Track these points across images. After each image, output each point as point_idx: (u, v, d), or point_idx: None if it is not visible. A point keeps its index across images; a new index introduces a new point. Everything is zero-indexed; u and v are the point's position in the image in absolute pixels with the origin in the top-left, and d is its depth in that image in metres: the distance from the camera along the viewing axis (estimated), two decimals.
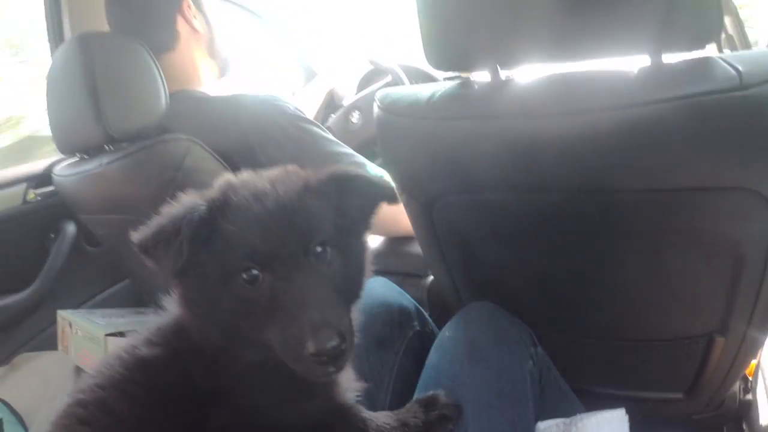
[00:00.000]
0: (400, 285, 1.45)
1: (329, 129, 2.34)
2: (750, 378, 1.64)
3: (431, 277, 1.67)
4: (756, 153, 0.95)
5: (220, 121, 1.57)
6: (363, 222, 0.91)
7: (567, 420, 1.07)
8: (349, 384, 0.94)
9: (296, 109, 1.62)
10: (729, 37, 1.89)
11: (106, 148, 1.56)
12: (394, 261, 1.75)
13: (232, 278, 0.77)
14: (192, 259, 0.75)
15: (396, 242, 1.81)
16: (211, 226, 0.77)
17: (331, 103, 2.46)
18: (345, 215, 0.85)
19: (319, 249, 0.79)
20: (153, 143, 1.48)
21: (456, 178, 1.17)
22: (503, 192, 1.14)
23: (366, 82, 2.48)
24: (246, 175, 0.86)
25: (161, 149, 1.48)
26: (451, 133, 1.11)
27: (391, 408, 1.10)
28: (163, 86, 1.51)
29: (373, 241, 1.88)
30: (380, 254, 1.82)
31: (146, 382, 0.82)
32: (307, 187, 0.83)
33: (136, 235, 0.78)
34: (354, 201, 0.87)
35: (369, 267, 0.91)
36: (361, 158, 1.64)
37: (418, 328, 1.35)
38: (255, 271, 0.76)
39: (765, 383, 1.48)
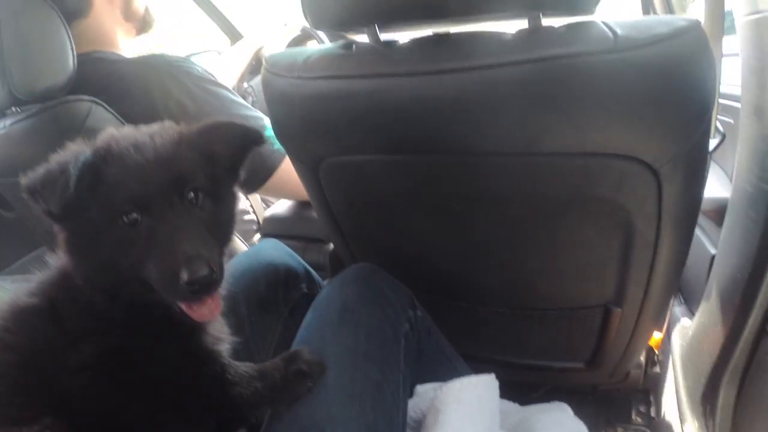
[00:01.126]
0: (303, 250, 1.44)
1: (252, 89, 2.29)
2: (656, 351, 1.65)
3: (332, 245, 1.64)
4: (635, 119, 0.92)
5: (129, 82, 1.56)
6: (233, 171, 0.95)
7: (442, 385, 1.04)
8: (219, 334, 0.98)
9: (204, 71, 1.62)
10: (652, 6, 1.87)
11: (12, 110, 1.54)
12: (297, 225, 1.74)
13: (114, 221, 0.82)
14: (77, 203, 0.80)
15: (300, 207, 1.80)
16: (94, 172, 0.82)
17: (258, 66, 2.42)
18: (216, 164, 0.91)
19: (191, 195, 0.86)
20: (55, 104, 1.47)
21: (331, 140, 1.14)
22: (376, 153, 1.11)
23: (294, 45, 2.45)
24: (127, 129, 0.92)
25: (63, 110, 1.47)
26: (323, 93, 1.08)
27: None
28: (72, 48, 1.48)
29: (278, 206, 1.88)
30: (284, 219, 1.81)
31: (21, 329, 0.87)
32: (182, 139, 0.89)
33: (24, 179, 0.82)
34: (223, 150, 0.93)
35: (237, 214, 0.98)
36: (267, 121, 1.60)
37: (305, 291, 1.33)
38: (134, 214, 0.82)
39: (672, 358, 1.48)
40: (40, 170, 0.83)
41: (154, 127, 0.92)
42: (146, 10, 1.82)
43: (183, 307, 0.86)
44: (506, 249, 1.21)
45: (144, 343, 0.89)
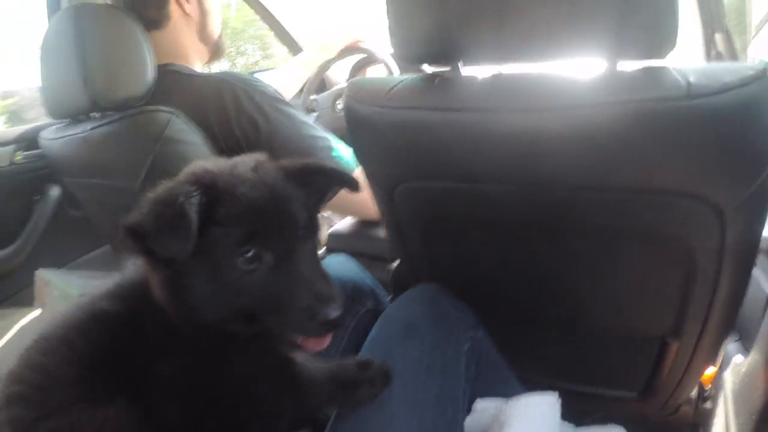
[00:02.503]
0: (367, 267, 1.49)
1: (317, 103, 2.34)
2: (708, 386, 1.66)
3: (397, 262, 1.71)
4: (704, 162, 0.97)
5: (203, 97, 1.60)
6: (322, 206, 0.98)
7: (505, 401, 1.10)
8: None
9: (275, 91, 1.67)
10: (718, 54, 1.90)
11: (93, 115, 1.61)
12: (362, 243, 1.80)
13: (232, 262, 0.81)
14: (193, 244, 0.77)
15: (365, 226, 1.87)
16: (209, 211, 0.79)
17: (321, 86, 2.48)
18: (312, 204, 0.91)
19: (302, 232, 0.85)
20: (135, 113, 1.52)
21: (410, 166, 1.20)
22: (456, 181, 1.17)
23: (357, 69, 2.50)
24: (220, 162, 0.89)
25: (143, 119, 1.51)
26: (406, 123, 1.14)
27: None
28: (151, 60, 1.54)
29: (343, 223, 1.95)
30: (350, 236, 1.87)
31: (104, 331, 0.85)
32: (287, 176, 0.88)
33: (126, 219, 0.78)
34: (322, 192, 0.95)
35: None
36: (333, 142, 1.68)
37: (371, 307, 1.39)
38: (254, 254, 0.81)
39: (724, 394, 1.49)
40: (146, 211, 0.79)
41: (248, 160, 0.90)
42: (219, 36, 1.88)
43: (299, 339, 0.88)
44: (570, 277, 1.27)
45: (223, 362, 0.89)
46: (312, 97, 2.36)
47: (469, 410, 1.16)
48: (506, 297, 1.38)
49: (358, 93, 1.20)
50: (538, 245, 1.22)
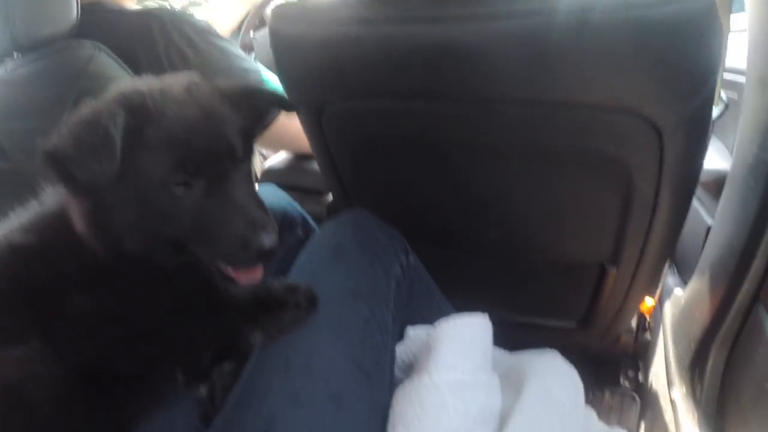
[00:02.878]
0: (301, 201, 1.46)
1: (256, 41, 2.29)
2: (648, 317, 1.68)
3: (331, 195, 1.68)
4: (641, 76, 0.94)
5: (132, 32, 1.55)
6: (258, 131, 0.92)
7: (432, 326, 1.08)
8: None
9: (207, 24, 1.63)
10: None
11: (14, 55, 1.52)
12: (296, 177, 1.78)
13: (161, 189, 0.76)
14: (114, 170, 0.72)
15: (298, 159, 1.84)
16: (136, 135, 0.73)
17: (261, 24, 2.41)
18: (248, 128, 0.86)
19: (239, 156, 0.81)
20: (57, 49, 1.45)
21: (338, 85, 1.15)
22: (381, 98, 1.13)
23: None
24: (152, 81, 0.83)
25: (65, 55, 1.46)
26: (332, 39, 1.09)
27: None
28: None
29: (276, 158, 1.92)
30: (282, 170, 1.84)
31: (17, 265, 0.81)
32: (223, 98, 0.83)
33: (44, 143, 0.72)
34: (257, 115, 0.89)
35: None
36: (266, 74, 1.66)
37: (301, 236, 1.36)
38: (185, 180, 0.76)
39: (663, 325, 1.51)
40: (66, 134, 0.72)
41: (181, 80, 0.84)
42: None
43: (230, 271, 0.83)
44: (505, 201, 1.24)
45: (144, 293, 0.84)
46: (251, 35, 2.31)
47: (401, 338, 1.14)
48: (440, 224, 1.36)
49: (284, 14, 1.14)
50: (473, 167, 1.18)
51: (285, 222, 1.35)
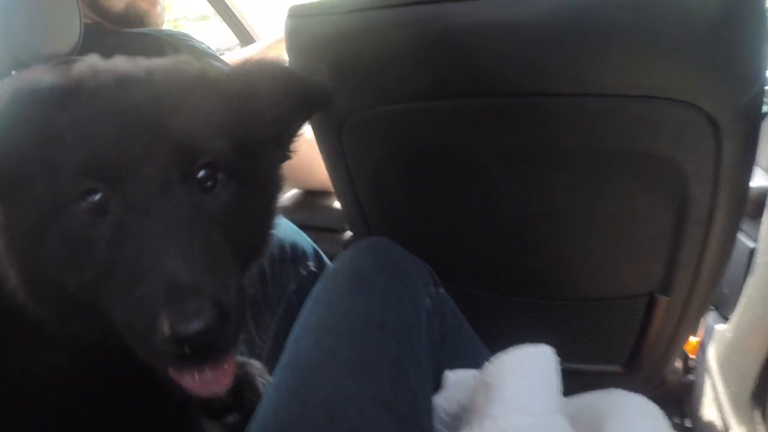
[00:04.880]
0: (315, 240, 1.32)
1: None
2: (691, 357, 1.55)
3: (349, 233, 1.57)
4: (696, 61, 0.85)
5: (130, 53, 1.47)
6: (278, 143, 0.67)
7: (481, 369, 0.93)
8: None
9: (208, 47, 1.57)
10: None
11: (13, 73, 1.44)
12: (308, 215, 1.63)
13: (65, 205, 0.53)
14: (18, 169, 0.52)
15: (311, 195, 1.71)
16: (46, 120, 0.53)
17: None
18: (254, 126, 0.62)
19: (202, 173, 0.56)
20: (55, 65, 1.38)
21: (362, 87, 1.03)
22: (412, 101, 1.01)
23: None
24: (118, 60, 0.65)
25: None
26: (352, 29, 0.97)
27: (271, 349, 1.03)
28: (80, 15, 1.40)
29: (288, 194, 1.77)
30: (294, 208, 1.70)
31: None
32: (201, 81, 0.61)
33: None
34: (270, 104, 0.63)
35: (276, 212, 0.69)
36: None
37: (313, 269, 1.23)
38: (98, 196, 0.52)
39: (707, 364, 1.39)
40: None
41: (162, 61, 0.64)
42: (127, 6, 1.69)
43: (172, 374, 0.54)
44: (546, 223, 1.11)
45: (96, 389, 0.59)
46: None
47: (437, 385, 0.98)
48: (470, 255, 1.22)
49: (302, 8, 1.03)
50: (509, 183, 1.06)
51: (295, 253, 1.21)
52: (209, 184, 0.56)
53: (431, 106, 1.00)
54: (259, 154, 0.63)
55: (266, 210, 0.66)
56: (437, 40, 0.91)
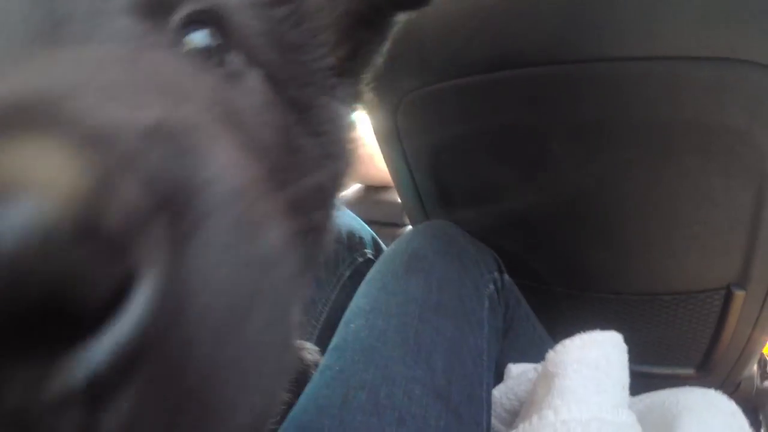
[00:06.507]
0: (376, 235, 1.28)
1: None
2: None
3: (409, 227, 1.50)
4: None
5: None
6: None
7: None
8: None
9: None
10: None
11: None
12: (369, 209, 1.60)
13: None
14: None
15: (371, 190, 1.70)
16: None
17: None
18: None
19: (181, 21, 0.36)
20: None
21: (416, 64, 0.96)
22: (473, 73, 0.94)
23: None
24: None
25: None
26: None
27: (319, 337, 0.95)
28: None
29: (349, 189, 1.74)
30: (353, 202, 1.68)
31: None
32: None
33: None
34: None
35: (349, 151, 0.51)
36: None
37: (370, 256, 1.16)
38: None
39: None
40: None
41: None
42: None
43: None
44: (614, 209, 1.03)
45: None
46: None
47: (499, 379, 0.92)
48: (535, 247, 1.15)
49: None
50: (572, 164, 0.98)
51: (352, 240, 1.16)
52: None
53: (490, 79, 0.93)
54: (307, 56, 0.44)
55: (332, 128, 0.48)
56: (496, 5, 0.85)
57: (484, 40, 0.89)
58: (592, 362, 0.74)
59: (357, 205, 1.65)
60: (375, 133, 1.14)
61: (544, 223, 1.11)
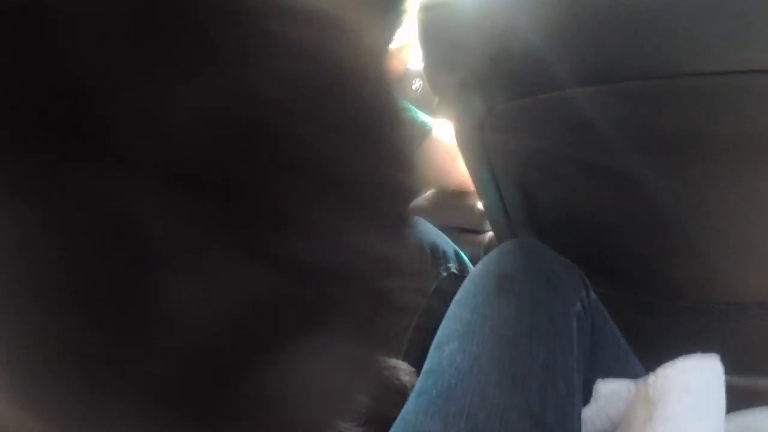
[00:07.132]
0: (456, 241, 1.28)
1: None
2: None
3: (490, 233, 1.49)
4: None
5: None
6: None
7: (638, 381, 0.85)
8: None
9: None
10: None
11: None
12: (449, 214, 1.58)
13: None
14: None
15: (450, 195, 1.66)
16: None
17: None
18: None
19: None
20: None
21: (505, 76, 0.95)
22: (564, 87, 0.92)
23: None
24: None
25: None
26: (505, 9, 0.89)
27: (408, 352, 0.95)
28: None
29: (426, 195, 1.75)
30: (433, 208, 1.65)
31: None
32: None
33: None
34: None
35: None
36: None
37: (454, 271, 1.17)
38: None
39: None
40: None
41: None
42: None
43: None
44: (702, 219, 1.02)
45: None
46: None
47: (586, 396, 0.92)
48: (621, 258, 1.12)
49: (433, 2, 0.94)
50: (661, 175, 0.96)
51: (436, 255, 1.17)
52: None
53: (584, 94, 0.92)
54: None
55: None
56: (589, 20, 0.83)
57: (579, 53, 0.88)
58: (694, 388, 0.73)
59: (435, 210, 1.64)
60: (459, 146, 1.14)
61: (632, 234, 1.09)
